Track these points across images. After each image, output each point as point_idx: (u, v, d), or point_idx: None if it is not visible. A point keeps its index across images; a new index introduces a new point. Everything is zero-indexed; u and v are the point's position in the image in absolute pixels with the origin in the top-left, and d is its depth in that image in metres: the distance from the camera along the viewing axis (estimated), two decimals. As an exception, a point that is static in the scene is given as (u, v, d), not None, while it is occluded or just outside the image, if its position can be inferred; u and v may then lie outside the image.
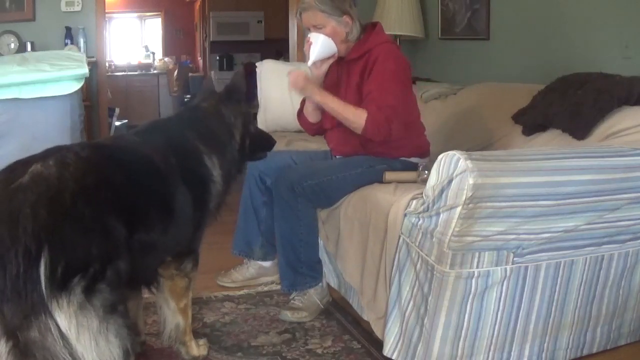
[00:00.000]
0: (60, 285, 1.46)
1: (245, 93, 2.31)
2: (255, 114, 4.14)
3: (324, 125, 2.79)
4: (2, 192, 1.53)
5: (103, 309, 1.54)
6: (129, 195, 1.72)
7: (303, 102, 2.86)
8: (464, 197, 1.86)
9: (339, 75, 2.71)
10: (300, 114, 2.90)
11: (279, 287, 2.79)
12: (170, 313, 2.14)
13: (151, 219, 1.80)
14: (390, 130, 2.49)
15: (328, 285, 2.75)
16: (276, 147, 2.54)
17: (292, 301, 2.64)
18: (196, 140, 2.09)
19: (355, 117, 2.50)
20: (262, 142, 2.43)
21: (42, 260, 1.44)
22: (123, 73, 9.67)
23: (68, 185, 1.56)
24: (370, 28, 2.69)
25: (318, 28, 2.60)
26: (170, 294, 2.10)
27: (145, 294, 2.15)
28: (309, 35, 2.63)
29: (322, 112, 2.74)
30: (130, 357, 1.62)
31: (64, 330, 1.47)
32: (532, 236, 2.00)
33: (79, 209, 1.54)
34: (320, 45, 2.58)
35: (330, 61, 2.65)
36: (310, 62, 2.62)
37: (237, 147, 2.23)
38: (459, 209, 1.88)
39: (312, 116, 2.81)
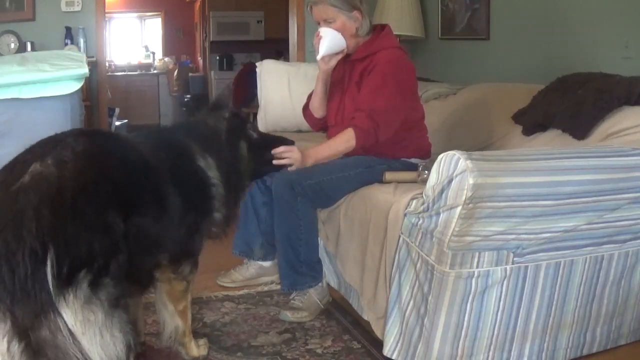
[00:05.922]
0: (67, 281, 1.49)
1: (227, 105, 2.37)
2: (255, 114, 4.14)
3: (328, 122, 2.80)
4: (4, 194, 1.55)
5: (108, 302, 1.56)
6: (124, 187, 1.73)
7: (309, 98, 2.87)
8: (464, 197, 1.86)
9: (344, 73, 2.72)
10: (305, 109, 2.90)
11: (279, 287, 2.79)
12: (169, 316, 2.14)
13: (144, 211, 1.81)
14: (377, 137, 2.51)
15: (328, 285, 2.75)
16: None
17: (292, 301, 2.64)
18: (187, 138, 2.12)
19: (347, 144, 2.51)
20: (267, 144, 2.41)
21: (48, 260, 1.46)
22: (123, 73, 9.66)
23: (68, 184, 1.57)
24: (379, 29, 2.69)
25: (328, 22, 2.60)
26: (168, 297, 2.11)
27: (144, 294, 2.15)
28: (319, 29, 2.63)
29: (327, 107, 2.77)
30: (132, 353, 1.63)
31: (70, 325, 1.49)
32: (532, 236, 2.00)
33: (80, 207, 1.56)
34: (330, 40, 2.59)
35: (339, 56, 2.65)
36: (319, 56, 2.63)
37: (229, 149, 2.22)
38: (459, 208, 1.88)
39: (317, 111, 2.83)
